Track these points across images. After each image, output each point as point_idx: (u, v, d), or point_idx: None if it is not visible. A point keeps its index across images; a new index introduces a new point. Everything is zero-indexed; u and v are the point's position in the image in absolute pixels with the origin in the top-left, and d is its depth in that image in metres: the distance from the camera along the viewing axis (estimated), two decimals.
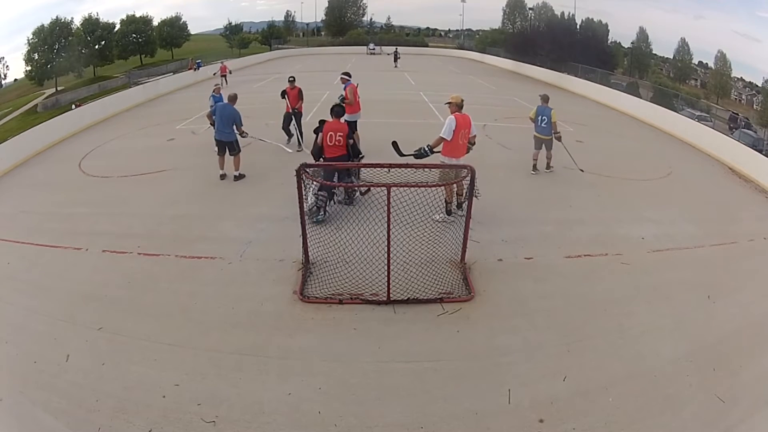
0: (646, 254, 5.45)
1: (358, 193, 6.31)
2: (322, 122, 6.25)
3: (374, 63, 25.19)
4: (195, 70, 22.00)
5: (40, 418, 3.20)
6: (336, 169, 5.80)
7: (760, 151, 9.67)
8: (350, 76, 8.32)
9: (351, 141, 6.17)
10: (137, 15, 30.77)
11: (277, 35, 39.66)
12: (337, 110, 6.14)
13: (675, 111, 14.40)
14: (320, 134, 6.10)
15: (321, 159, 6.10)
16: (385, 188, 4.12)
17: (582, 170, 7.98)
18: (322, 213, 5.80)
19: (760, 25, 18.69)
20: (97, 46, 28.00)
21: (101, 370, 3.58)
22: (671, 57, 24.74)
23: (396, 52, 27.79)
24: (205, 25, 37.28)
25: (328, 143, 5.96)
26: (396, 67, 25.78)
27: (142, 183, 7.63)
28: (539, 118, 7.70)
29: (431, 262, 4.77)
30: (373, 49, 28.83)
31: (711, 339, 4.07)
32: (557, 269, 5.04)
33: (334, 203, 6.19)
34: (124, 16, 29.77)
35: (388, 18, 42.59)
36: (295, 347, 3.82)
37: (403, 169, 4.42)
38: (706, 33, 21.05)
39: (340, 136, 5.95)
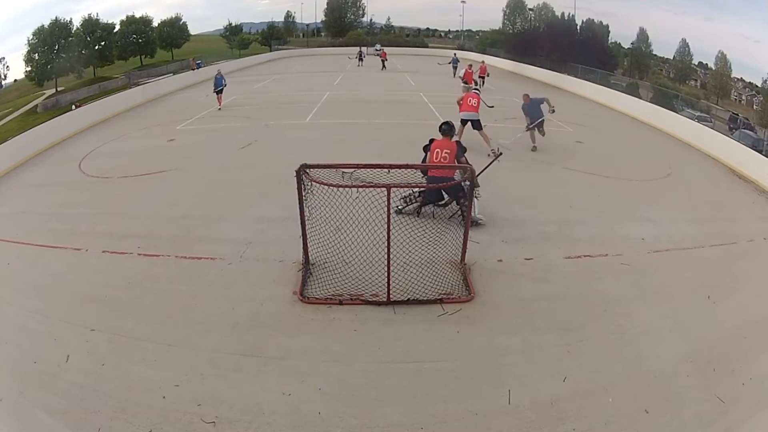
0: (646, 255, 5.45)
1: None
2: (431, 141, 6.03)
3: (374, 64, 25.13)
4: (194, 69, 22.11)
5: (40, 418, 3.20)
6: (441, 188, 5.60)
7: (760, 152, 9.66)
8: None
9: (463, 159, 5.78)
10: (137, 15, 30.77)
11: (277, 36, 39.61)
12: (445, 128, 5.92)
13: (675, 111, 14.38)
14: (428, 153, 5.95)
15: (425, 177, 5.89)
16: (384, 188, 4.12)
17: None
18: (407, 207, 5.92)
19: (760, 25, 18.68)
20: (97, 47, 27.93)
21: (101, 370, 3.58)
22: (671, 58, 24.72)
23: (361, 52, 27.66)
24: (205, 26, 37.11)
25: (434, 160, 5.76)
26: (360, 65, 26.06)
27: (143, 183, 7.63)
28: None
29: (431, 262, 4.77)
30: (379, 50, 28.71)
31: (711, 339, 4.07)
32: (557, 269, 5.04)
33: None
34: (123, 17, 29.77)
35: (388, 19, 42.52)
36: (295, 348, 3.82)
37: (403, 169, 4.43)
38: (712, 35, 21.00)
39: (446, 153, 5.73)
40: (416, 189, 5.81)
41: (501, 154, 6.69)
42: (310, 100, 14.71)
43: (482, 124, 9.13)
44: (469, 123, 9.08)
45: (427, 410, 3.24)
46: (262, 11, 48.01)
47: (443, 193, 5.78)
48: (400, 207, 5.93)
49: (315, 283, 4.58)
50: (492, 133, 9.28)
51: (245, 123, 11.78)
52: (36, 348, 3.85)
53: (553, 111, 9.33)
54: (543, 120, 9.29)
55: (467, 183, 4.65)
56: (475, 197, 5.68)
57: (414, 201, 5.97)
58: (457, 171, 5.35)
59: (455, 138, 6.41)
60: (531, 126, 9.31)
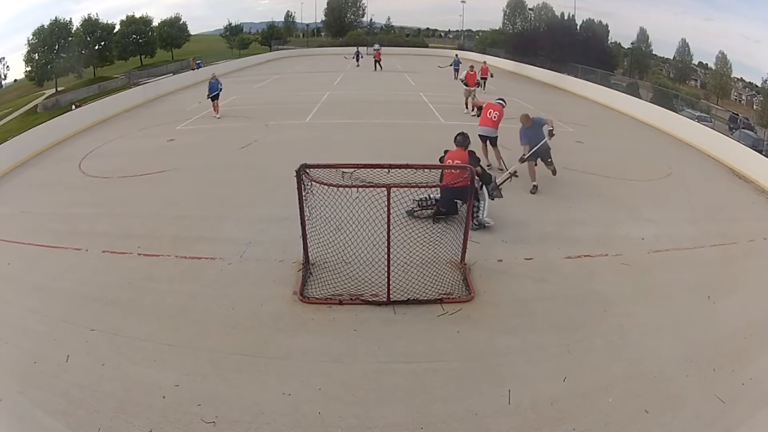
0: (646, 255, 5.45)
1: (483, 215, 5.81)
2: (445, 152, 6.14)
3: (373, 64, 25.09)
4: (194, 69, 22.11)
5: (40, 418, 3.20)
6: (454, 193, 5.51)
7: (760, 152, 9.66)
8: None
9: (477, 169, 5.66)
10: (137, 16, 30.80)
11: (277, 36, 39.63)
12: (460, 139, 6.00)
13: (675, 111, 14.39)
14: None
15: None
16: (385, 188, 4.12)
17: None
18: (421, 211, 5.94)
19: (760, 25, 18.69)
20: (96, 47, 27.99)
21: (101, 370, 3.59)
22: (671, 57, 24.74)
23: (358, 52, 27.24)
24: (205, 26, 37.16)
25: (446, 171, 5.77)
26: (358, 65, 25.58)
27: (143, 183, 7.63)
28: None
29: (431, 262, 4.77)
30: (378, 49, 28.73)
31: (711, 339, 4.07)
32: (557, 269, 5.04)
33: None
34: (123, 17, 29.81)
35: (388, 19, 42.53)
36: (295, 348, 3.82)
37: (403, 169, 4.43)
38: (712, 35, 21.04)
39: (457, 162, 5.78)
40: (432, 194, 5.88)
41: (515, 173, 6.77)
42: (310, 100, 14.71)
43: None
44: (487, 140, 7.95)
45: (427, 410, 3.24)
46: (262, 11, 48.09)
47: (458, 204, 5.74)
48: (414, 209, 5.94)
49: (315, 283, 4.58)
50: None
51: (245, 123, 11.77)
52: (36, 348, 3.85)
53: (552, 135, 7.14)
54: (548, 148, 7.14)
55: (471, 182, 4.64)
56: (486, 199, 5.71)
57: (429, 207, 5.99)
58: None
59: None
60: (528, 155, 6.97)
